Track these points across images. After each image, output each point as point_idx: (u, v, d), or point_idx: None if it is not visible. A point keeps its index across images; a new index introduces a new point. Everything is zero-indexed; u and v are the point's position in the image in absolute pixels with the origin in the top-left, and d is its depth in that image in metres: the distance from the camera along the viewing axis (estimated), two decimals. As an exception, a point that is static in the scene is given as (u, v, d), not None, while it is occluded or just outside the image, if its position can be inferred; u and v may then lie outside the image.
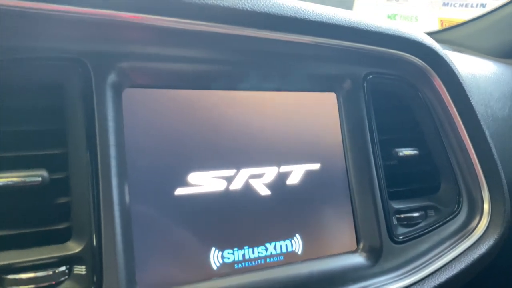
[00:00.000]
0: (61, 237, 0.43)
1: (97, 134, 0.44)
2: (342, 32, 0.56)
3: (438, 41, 1.48)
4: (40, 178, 0.42)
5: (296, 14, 0.52)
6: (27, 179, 0.41)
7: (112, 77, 0.46)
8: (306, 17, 0.53)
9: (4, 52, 0.41)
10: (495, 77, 0.94)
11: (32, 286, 0.40)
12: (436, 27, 3.47)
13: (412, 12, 2.96)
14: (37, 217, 0.43)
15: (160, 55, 0.49)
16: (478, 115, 0.65)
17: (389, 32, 0.59)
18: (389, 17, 3.76)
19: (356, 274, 0.56)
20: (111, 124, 0.46)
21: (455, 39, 1.43)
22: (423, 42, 0.62)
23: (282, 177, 0.56)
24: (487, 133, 0.66)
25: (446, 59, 0.63)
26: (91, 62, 0.45)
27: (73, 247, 0.43)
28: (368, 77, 0.62)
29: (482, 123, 0.66)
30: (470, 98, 0.65)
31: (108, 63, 0.46)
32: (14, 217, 0.42)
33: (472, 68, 0.88)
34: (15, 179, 0.41)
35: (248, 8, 0.50)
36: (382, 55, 0.61)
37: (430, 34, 1.53)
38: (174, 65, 0.51)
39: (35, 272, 0.41)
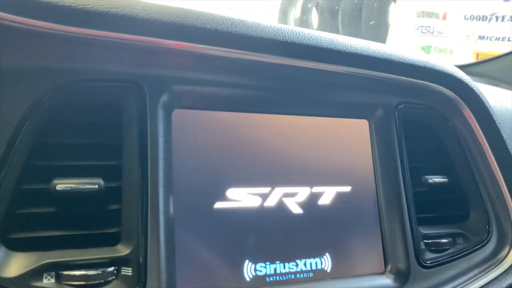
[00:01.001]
0: (112, 240, 0.48)
1: (149, 149, 0.49)
2: (375, 63, 0.60)
3: (472, 74, 1.49)
4: (97, 186, 0.47)
5: (332, 46, 0.57)
6: (86, 186, 0.46)
7: (164, 99, 0.52)
8: (342, 48, 0.57)
9: (71, 74, 0.47)
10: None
11: (84, 283, 0.45)
12: (472, 60, 3.45)
13: (447, 45, 2.96)
14: (91, 221, 0.48)
15: (206, 80, 0.55)
16: (508, 145, 0.66)
17: (420, 64, 0.62)
18: (423, 49, 3.77)
19: (383, 295, 0.58)
20: (161, 140, 0.51)
21: (490, 72, 1.44)
22: (453, 74, 0.65)
23: (314, 197, 0.59)
24: (517, 164, 0.67)
25: (475, 90, 0.66)
26: (146, 84, 0.50)
27: (122, 250, 0.47)
28: (399, 106, 0.65)
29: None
30: (500, 129, 0.66)
31: (161, 86, 0.51)
32: (72, 219, 0.47)
33: (505, 101, 0.90)
34: (75, 185, 0.46)
35: (289, 40, 0.54)
36: (414, 86, 0.64)
37: (465, 66, 1.55)
38: (219, 89, 0.56)
39: (87, 270, 0.45)
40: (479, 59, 3.35)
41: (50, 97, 0.46)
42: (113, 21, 0.46)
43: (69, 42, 0.45)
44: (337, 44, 0.57)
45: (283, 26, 0.55)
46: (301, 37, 0.55)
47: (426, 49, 3.85)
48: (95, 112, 0.50)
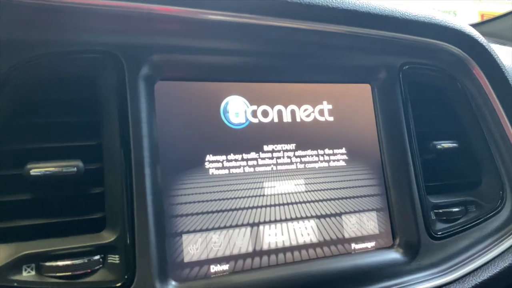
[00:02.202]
0: (96, 227, 0.44)
1: (130, 126, 0.45)
2: (376, 21, 0.55)
3: (480, 33, 1.43)
4: (75, 169, 0.43)
5: (327, 3, 0.51)
6: (63, 169, 0.42)
7: (144, 70, 0.47)
8: (338, 5, 0.52)
9: (40, 46, 0.43)
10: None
11: (69, 273, 0.41)
12: (477, 20, 3.35)
13: (451, 7, 2.86)
14: (73, 207, 0.44)
15: (192, 47, 0.50)
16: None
17: (425, 20, 0.57)
18: (426, 12, 3.66)
19: (392, 270, 0.55)
20: (143, 116, 0.46)
21: (496, 31, 1.38)
22: (462, 30, 0.59)
23: (316, 167, 0.55)
24: (532, 123, 0.62)
25: (487, 47, 0.61)
26: (124, 55, 0.46)
27: (107, 237, 0.43)
28: (404, 68, 0.60)
29: (527, 113, 0.62)
30: (513, 87, 0.61)
31: (141, 56, 0.47)
32: (51, 206, 0.43)
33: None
34: (51, 169, 0.42)
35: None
36: (418, 44, 0.59)
37: (472, 26, 1.49)
38: (206, 57, 0.51)
39: (70, 260, 0.41)
40: (484, 20, 3.26)
41: (19, 72, 0.42)
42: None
43: (36, 11, 0.41)
44: (333, 0, 0.51)
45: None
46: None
47: (429, 12, 3.73)
48: (69, 88, 0.45)
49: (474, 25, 1.44)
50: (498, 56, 0.62)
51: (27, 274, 0.40)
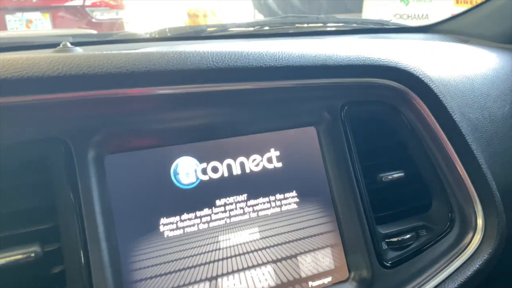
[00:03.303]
0: (60, 304, 0.47)
1: (83, 206, 0.48)
2: (312, 72, 0.58)
3: (443, 31, 1.46)
4: (33, 254, 0.46)
5: (261, 63, 0.54)
6: (22, 256, 0.46)
7: (92, 150, 0.50)
8: (272, 64, 0.55)
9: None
10: (494, 73, 0.92)
11: None
12: (452, 4, 3.38)
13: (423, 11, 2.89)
14: (36, 287, 0.47)
15: (136, 121, 0.53)
16: (462, 130, 0.65)
17: (360, 63, 0.60)
18: (402, 0, 3.69)
19: (348, 303, 0.58)
20: (95, 194, 0.50)
21: (461, 28, 1.41)
22: (397, 66, 0.62)
23: (269, 214, 0.58)
24: (474, 146, 0.65)
25: (423, 78, 0.64)
26: (71, 139, 0.49)
27: (71, 312, 0.47)
28: (345, 108, 0.63)
29: (468, 136, 0.65)
30: (453, 114, 0.65)
31: (87, 137, 0.50)
32: (16, 289, 0.47)
33: (468, 68, 0.87)
34: (10, 258, 0.45)
35: (213, 66, 0.52)
36: (357, 85, 0.62)
37: (436, 25, 1.52)
38: (152, 127, 0.54)
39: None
40: (459, 3, 3.29)
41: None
42: (19, 85, 0.44)
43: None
44: (266, 60, 0.55)
45: (205, 51, 0.53)
46: (226, 60, 0.53)
47: (405, 1, 3.77)
48: (21, 176, 0.48)
49: (440, 23, 1.47)
50: (436, 85, 0.65)
51: None
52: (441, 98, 0.65)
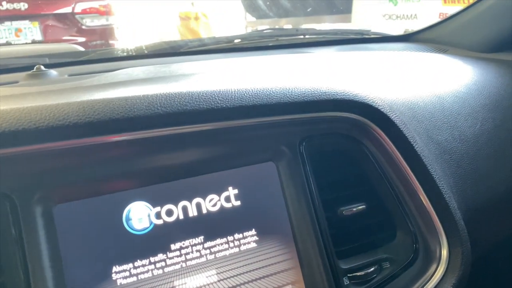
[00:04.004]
0: None
1: (28, 261, 0.48)
2: (266, 109, 0.57)
3: (423, 40, 1.45)
4: (-24, 315, 0.46)
5: (212, 105, 0.54)
6: (-35, 318, 0.45)
7: (38, 202, 0.50)
8: (224, 105, 0.54)
9: None
10: (466, 90, 0.92)
11: None
12: (440, 3, 3.38)
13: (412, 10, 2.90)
14: None
15: (84, 170, 0.52)
16: (425, 161, 0.64)
17: (316, 98, 0.60)
18: (390, 0, 3.68)
19: None
20: (43, 247, 0.49)
21: (440, 36, 1.40)
22: (355, 99, 0.62)
23: (227, 254, 0.57)
24: (437, 176, 0.65)
25: (383, 110, 0.63)
26: (16, 194, 0.48)
27: None
28: (303, 142, 0.62)
29: (430, 166, 0.65)
30: (414, 144, 0.64)
31: (33, 190, 0.49)
32: None
33: (440, 86, 0.87)
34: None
35: (161, 112, 0.52)
36: (315, 119, 0.61)
37: (416, 33, 1.51)
38: (101, 173, 0.54)
39: None
40: (446, 2, 3.28)
41: None
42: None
43: None
44: (217, 101, 0.54)
45: (152, 95, 0.52)
46: (174, 104, 0.52)
47: (394, 1, 3.76)
48: (-34, 234, 0.48)
49: (419, 32, 1.47)
50: (396, 114, 0.65)
51: None
52: (402, 128, 0.64)
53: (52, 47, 1.97)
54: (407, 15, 3.53)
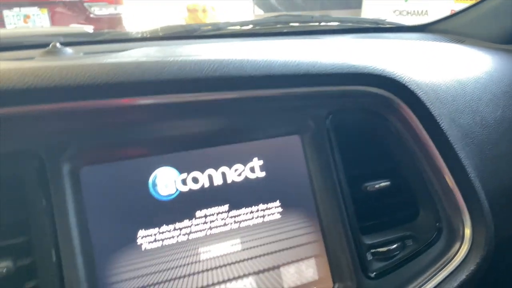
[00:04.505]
0: (33, 320, 0.47)
1: (56, 220, 0.47)
2: (294, 80, 0.56)
3: (439, 31, 1.44)
4: (5, 270, 0.45)
5: (242, 72, 0.53)
6: (-7, 273, 0.45)
7: (65, 163, 0.49)
8: (253, 73, 0.54)
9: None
10: (487, 76, 0.91)
11: None
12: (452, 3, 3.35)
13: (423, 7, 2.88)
14: (9, 303, 0.46)
15: (112, 132, 0.52)
16: (450, 138, 0.63)
17: (343, 71, 0.59)
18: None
19: (332, 315, 0.57)
20: (70, 207, 0.49)
21: (457, 27, 1.39)
22: (383, 73, 0.61)
23: (251, 224, 0.57)
24: (463, 155, 0.64)
25: (410, 86, 0.62)
26: (45, 152, 0.48)
27: (44, 328, 0.46)
28: (330, 116, 0.62)
29: (456, 145, 0.64)
30: (441, 123, 0.63)
31: (62, 149, 0.49)
32: (-12, 306, 0.46)
33: (461, 72, 0.86)
34: (-19, 274, 0.44)
35: (191, 77, 0.51)
36: (342, 93, 0.61)
37: (432, 24, 1.50)
38: (129, 137, 0.53)
39: None
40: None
41: None
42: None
43: None
44: (247, 69, 0.53)
45: (183, 60, 0.51)
46: (204, 69, 0.51)
47: (405, -4, 3.74)
48: (-5, 190, 0.47)
49: (436, 22, 1.45)
50: (423, 91, 0.64)
51: None
52: (428, 106, 0.63)
53: (65, 29, 1.97)
54: (417, 11, 3.51)
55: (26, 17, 4.42)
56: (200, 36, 1.26)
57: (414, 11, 3.57)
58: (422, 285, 0.61)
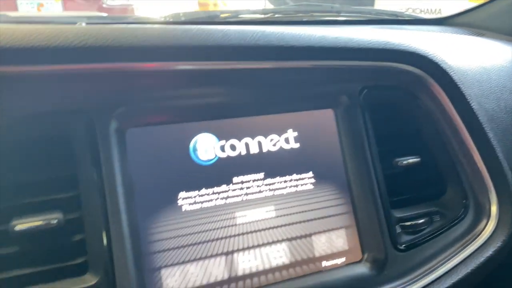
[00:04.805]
0: (79, 271, 0.48)
1: (104, 177, 0.49)
2: (332, 53, 0.58)
3: (458, 24, 1.44)
4: (56, 221, 0.47)
5: (282, 43, 0.55)
6: (45, 223, 0.47)
7: (114, 123, 0.51)
8: (293, 44, 0.55)
9: (17, 110, 0.47)
10: (510, 65, 0.92)
11: (57, 317, 0.46)
12: (466, 3, 3.34)
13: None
14: (57, 254, 0.48)
15: (158, 96, 0.53)
16: (479, 118, 0.65)
17: (380, 46, 0.60)
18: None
19: (361, 283, 0.59)
20: (117, 165, 0.50)
21: (477, 21, 1.39)
22: (416, 51, 0.62)
23: (285, 193, 0.59)
24: (491, 135, 0.65)
25: (442, 65, 0.64)
26: (93, 112, 0.50)
27: (91, 279, 0.48)
28: (364, 91, 0.63)
29: (485, 125, 0.65)
30: (471, 102, 0.65)
31: (110, 110, 0.51)
32: (37, 255, 0.47)
33: (485, 60, 0.87)
34: (34, 224, 0.46)
35: (235, 44, 0.52)
36: (376, 68, 0.62)
37: (451, 17, 1.50)
38: (173, 102, 0.55)
39: (58, 305, 0.46)
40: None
41: (-1, 137, 0.46)
42: (46, 54, 0.44)
43: (8, 81, 0.45)
44: (288, 40, 0.55)
45: (227, 29, 0.53)
46: (248, 38, 0.53)
47: (416, -7, 3.72)
48: (46, 146, 0.49)
49: (455, 16, 1.46)
50: (455, 72, 0.65)
51: (19, 322, 0.45)
52: (459, 86, 0.64)
53: (85, 13, 1.99)
54: (431, 10, 3.51)
55: (40, 5, 4.45)
56: (220, 22, 1.27)
57: (427, 9, 3.56)
58: (449, 259, 0.62)
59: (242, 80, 0.56)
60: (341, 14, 1.51)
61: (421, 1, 3.53)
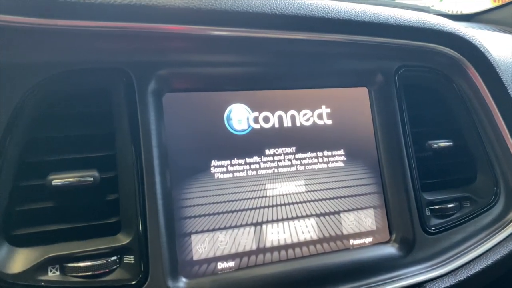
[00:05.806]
0: (112, 230, 0.48)
1: (141, 137, 0.49)
2: (371, 28, 0.57)
3: (486, 21, 1.43)
4: (92, 178, 0.47)
5: (324, 14, 0.54)
6: (81, 179, 0.47)
7: (152, 84, 0.51)
8: (334, 16, 0.55)
9: (54, 67, 0.47)
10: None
11: (89, 273, 0.46)
12: (489, 2, 3.29)
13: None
14: (91, 212, 0.48)
15: (196, 61, 0.53)
16: (516, 105, 0.64)
17: (419, 25, 0.59)
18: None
19: (388, 264, 0.58)
20: (153, 127, 0.50)
21: (504, 18, 1.38)
22: (455, 32, 0.61)
23: (316, 169, 0.58)
24: (525, 123, 0.64)
25: (480, 47, 0.63)
26: (134, 71, 0.49)
27: (123, 239, 0.48)
28: (399, 71, 0.62)
29: (520, 112, 0.64)
30: (508, 87, 0.64)
31: (149, 71, 0.50)
32: (72, 212, 0.48)
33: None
34: (70, 179, 0.46)
35: (277, 12, 0.52)
36: (414, 48, 0.61)
37: (477, 14, 1.48)
38: (210, 70, 0.54)
39: (90, 261, 0.46)
40: (496, 1, 3.21)
41: (39, 91, 0.46)
42: (92, 10, 0.44)
43: (52, 35, 0.45)
44: (329, 11, 0.54)
45: (270, -2, 0.52)
46: (290, 7, 0.52)
47: (440, -6, 3.69)
48: (84, 103, 0.49)
49: (483, 12, 1.44)
50: (492, 56, 0.64)
51: (52, 275, 0.45)
52: (497, 70, 0.64)
53: None
54: (452, 11, 3.47)
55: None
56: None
57: (448, 11, 3.52)
58: (478, 245, 0.61)
59: (281, 50, 0.56)
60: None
61: (442, 3, 3.49)
